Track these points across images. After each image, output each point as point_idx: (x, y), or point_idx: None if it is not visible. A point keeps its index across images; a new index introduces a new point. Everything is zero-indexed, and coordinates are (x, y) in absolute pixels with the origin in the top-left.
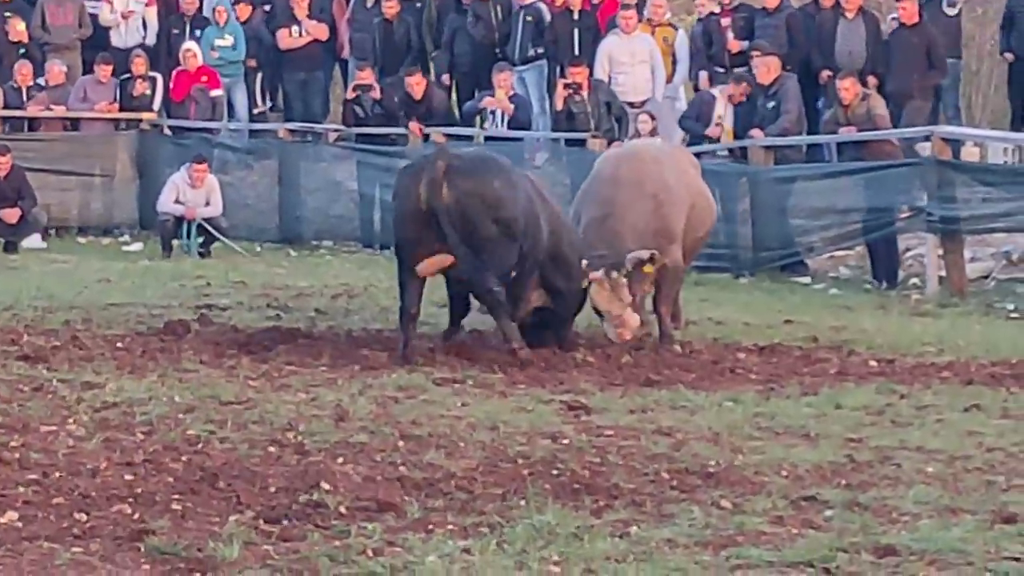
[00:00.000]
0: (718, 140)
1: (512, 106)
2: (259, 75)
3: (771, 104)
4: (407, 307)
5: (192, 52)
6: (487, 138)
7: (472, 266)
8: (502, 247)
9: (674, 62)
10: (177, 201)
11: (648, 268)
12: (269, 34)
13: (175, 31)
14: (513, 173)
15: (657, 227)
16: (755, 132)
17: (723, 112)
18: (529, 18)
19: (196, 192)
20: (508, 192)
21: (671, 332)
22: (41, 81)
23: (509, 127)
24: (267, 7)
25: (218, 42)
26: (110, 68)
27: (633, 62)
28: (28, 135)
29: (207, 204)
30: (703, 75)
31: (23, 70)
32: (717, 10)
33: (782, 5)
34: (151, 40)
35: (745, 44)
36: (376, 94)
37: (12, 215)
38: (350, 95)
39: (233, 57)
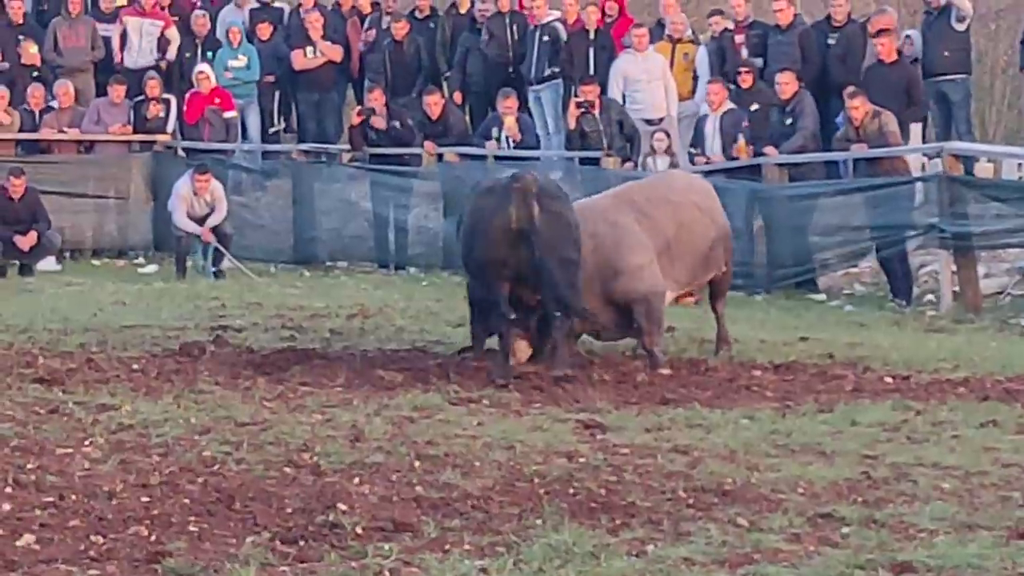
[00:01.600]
0: (736, 158)
1: (518, 130)
2: (276, 94)
3: (788, 120)
4: (505, 314)
5: (205, 74)
6: (499, 158)
7: (565, 285)
8: (577, 268)
9: (695, 78)
10: (189, 216)
11: None
12: (288, 53)
13: (187, 54)
14: None
15: (602, 266)
16: (769, 150)
17: (712, 129)
18: (545, 37)
19: (201, 200)
20: (575, 215)
21: (660, 363)
22: (54, 104)
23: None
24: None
25: (232, 63)
26: (123, 88)
27: (649, 79)
28: (42, 158)
29: (212, 211)
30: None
31: (36, 93)
32: (731, 26)
33: (795, 22)
34: (172, 55)
35: (759, 60)
36: (381, 123)
37: (27, 241)
38: (355, 120)
39: (247, 77)
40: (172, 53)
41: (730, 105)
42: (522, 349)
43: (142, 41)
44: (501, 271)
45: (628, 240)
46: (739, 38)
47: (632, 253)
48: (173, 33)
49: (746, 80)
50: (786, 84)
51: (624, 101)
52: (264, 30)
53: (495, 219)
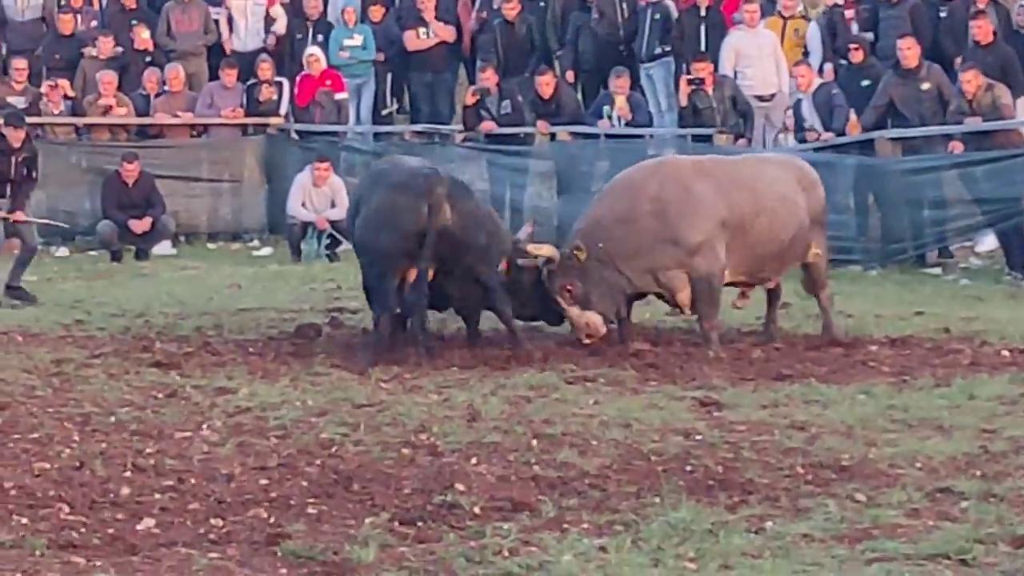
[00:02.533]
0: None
1: (629, 109)
2: (388, 75)
3: (925, 85)
4: (392, 308)
5: (316, 57)
6: (611, 136)
7: (487, 276)
8: (494, 253)
9: (806, 54)
10: (304, 205)
11: (581, 255)
12: (400, 34)
13: (299, 35)
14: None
15: (662, 234)
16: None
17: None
18: (656, 15)
19: (320, 193)
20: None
21: (714, 348)
22: (166, 88)
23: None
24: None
25: (347, 42)
26: (235, 72)
27: (760, 56)
28: (156, 142)
29: (332, 206)
30: (828, 67)
31: (152, 77)
32: (841, 2)
33: None
34: (280, 30)
35: (870, 35)
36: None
37: (142, 225)
38: (470, 100)
39: (363, 56)
40: (281, 28)
41: (819, 81)
42: (596, 324)
43: (248, 22)
44: (401, 262)
45: (696, 211)
46: (849, 13)
47: (695, 229)
48: (277, 10)
49: (856, 55)
50: (908, 50)
51: (735, 77)
52: (376, 12)
53: (407, 217)
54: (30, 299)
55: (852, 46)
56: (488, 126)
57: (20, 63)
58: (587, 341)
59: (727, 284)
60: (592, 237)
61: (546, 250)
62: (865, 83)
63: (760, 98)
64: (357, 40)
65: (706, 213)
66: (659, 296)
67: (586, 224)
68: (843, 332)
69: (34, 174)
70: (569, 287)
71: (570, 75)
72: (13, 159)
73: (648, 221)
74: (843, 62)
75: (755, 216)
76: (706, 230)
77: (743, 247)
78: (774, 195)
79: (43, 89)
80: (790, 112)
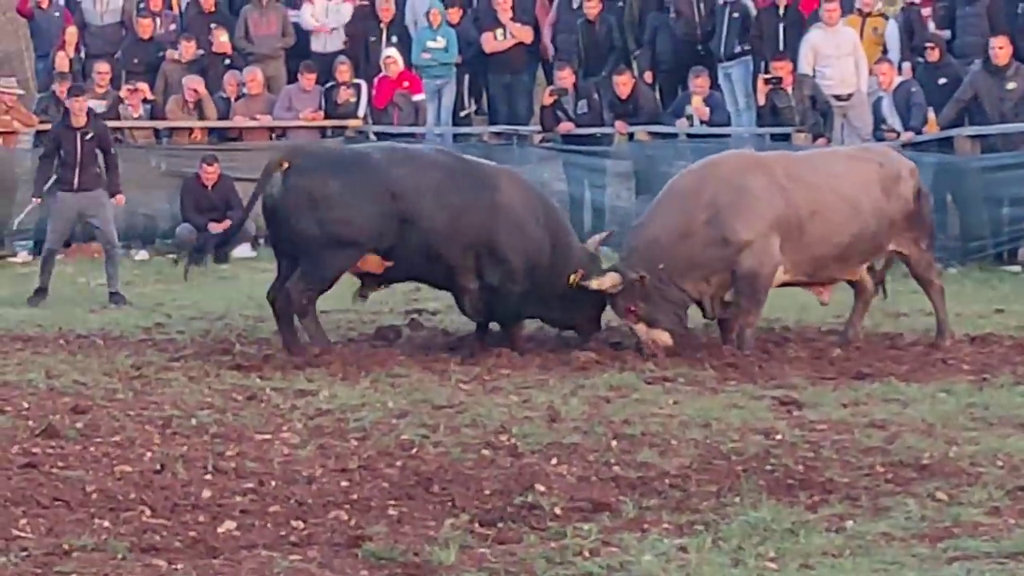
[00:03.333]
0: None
1: (707, 109)
2: (466, 76)
3: (1011, 85)
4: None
5: (393, 59)
6: (690, 136)
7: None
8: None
9: (885, 52)
10: None
11: (598, 284)
12: (478, 36)
13: (372, 38)
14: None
15: (713, 236)
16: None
17: (888, 106)
18: (735, 14)
19: None
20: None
21: (748, 346)
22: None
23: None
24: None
25: (430, 44)
26: (314, 76)
27: (839, 55)
28: (234, 145)
29: None
30: (906, 66)
31: (231, 80)
32: (918, 0)
33: None
34: (345, 18)
35: (947, 33)
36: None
37: (221, 227)
38: (547, 100)
39: (445, 59)
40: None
41: (899, 80)
42: (664, 341)
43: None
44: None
45: (748, 209)
46: (926, 11)
47: (746, 226)
48: (346, 10)
49: (932, 54)
50: (1001, 48)
51: (814, 76)
52: (454, 14)
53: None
54: (127, 301)
55: (928, 45)
56: (566, 127)
57: (102, 67)
58: (653, 357)
59: (788, 284)
60: (651, 258)
61: (608, 281)
62: (942, 81)
63: (838, 97)
64: (440, 43)
65: (758, 210)
66: (698, 304)
67: (643, 244)
68: (950, 333)
69: (112, 150)
70: (633, 308)
71: (648, 75)
72: (78, 136)
73: (704, 231)
74: (920, 60)
75: (811, 215)
76: (757, 228)
77: (799, 247)
78: (835, 194)
79: (122, 93)
80: (864, 110)
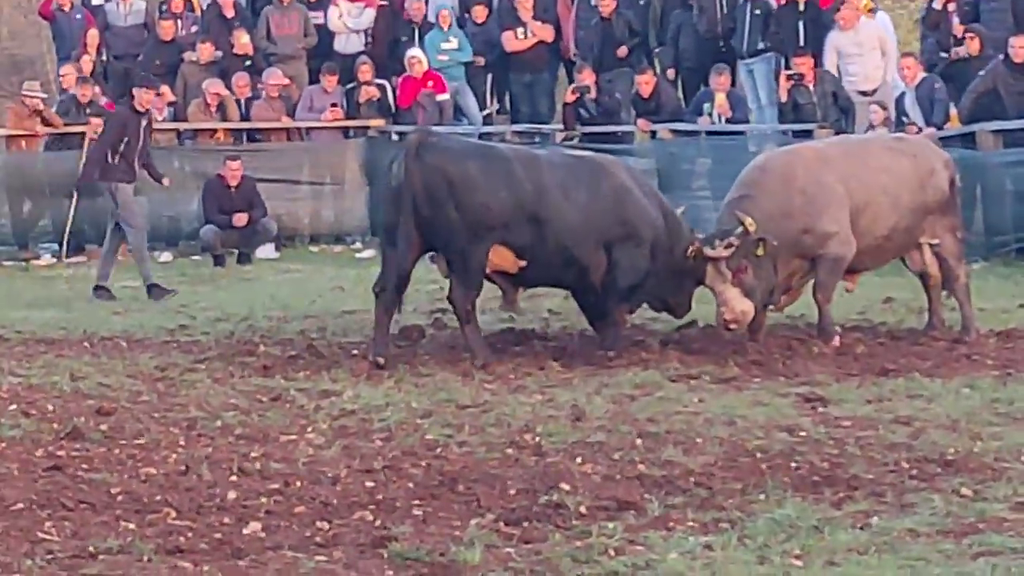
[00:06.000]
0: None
1: (728, 106)
2: (488, 76)
3: None
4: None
5: (417, 59)
6: (711, 133)
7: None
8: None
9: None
10: None
11: (761, 250)
12: (500, 35)
13: (404, 38)
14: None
15: (804, 224)
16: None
17: (911, 101)
18: (756, 11)
19: None
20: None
21: (830, 327)
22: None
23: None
24: None
25: (444, 45)
26: (335, 78)
27: (862, 51)
28: (257, 146)
29: None
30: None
31: (240, 82)
32: None
33: None
34: (368, 22)
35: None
36: (592, 94)
37: (243, 219)
38: (570, 98)
39: (460, 59)
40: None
41: (923, 75)
42: (748, 313)
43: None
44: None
45: (831, 200)
46: (951, 6)
47: (833, 219)
48: (370, 12)
49: (973, 44)
50: (1021, 48)
51: (840, 74)
52: (480, 12)
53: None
54: (172, 291)
55: (969, 35)
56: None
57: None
58: (732, 327)
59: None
60: (764, 232)
61: (725, 248)
62: (982, 73)
63: (863, 93)
64: (453, 43)
65: (840, 202)
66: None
67: (759, 219)
68: (976, 328)
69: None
70: (743, 270)
71: (670, 72)
72: (141, 123)
73: (799, 215)
74: (944, 55)
75: (864, 208)
76: (840, 219)
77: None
78: (880, 187)
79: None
80: (890, 103)
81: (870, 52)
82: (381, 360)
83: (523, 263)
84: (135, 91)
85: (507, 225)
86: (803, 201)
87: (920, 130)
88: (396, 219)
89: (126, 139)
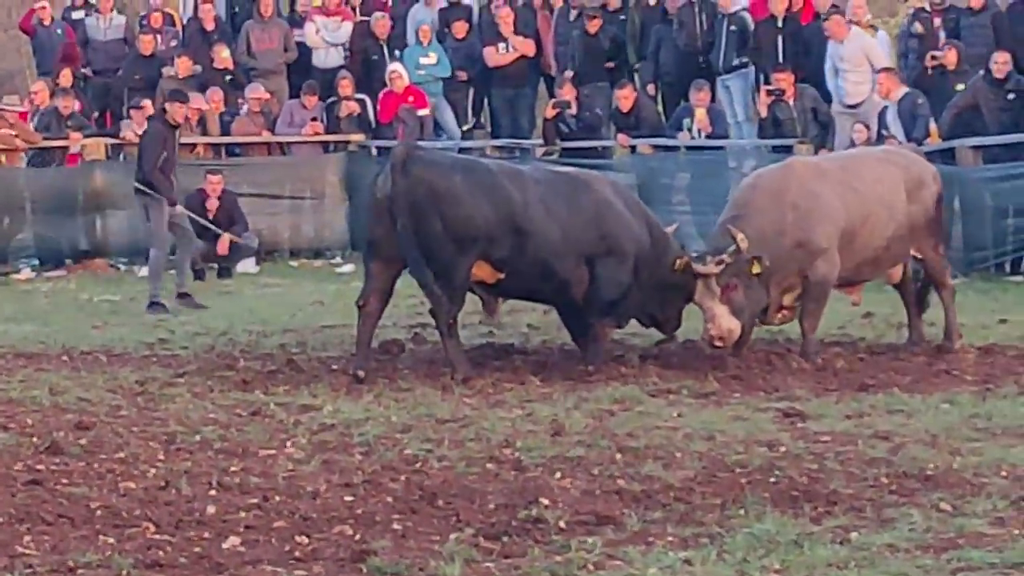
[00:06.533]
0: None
1: (708, 122)
2: (470, 91)
3: (1011, 96)
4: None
5: (398, 73)
6: (691, 148)
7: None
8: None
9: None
10: None
11: (755, 268)
12: (481, 51)
13: (374, 56)
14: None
15: (798, 239)
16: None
17: (892, 116)
18: (733, 27)
19: None
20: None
21: (813, 351)
22: (245, 106)
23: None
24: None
25: (423, 60)
26: (315, 97)
27: (851, 68)
28: (237, 160)
29: None
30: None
31: (214, 97)
32: (929, 9)
33: (987, 5)
34: (345, 37)
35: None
36: (573, 109)
37: (224, 245)
38: (550, 113)
39: (438, 74)
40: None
41: (904, 90)
42: (735, 333)
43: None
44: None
45: (824, 216)
46: (937, 21)
47: (824, 234)
48: (346, 30)
49: (951, 56)
50: (1004, 63)
51: (840, 90)
52: (460, 28)
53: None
54: (202, 306)
55: (947, 46)
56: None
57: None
58: (718, 344)
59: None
60: (755, 251)
61: (714, 265)
62: (960, 87)
63: (850, 107)
64: (432, 59)
65: (832, 218)
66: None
67: (752, 236)
68: (960, 340)
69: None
70: (733, 288)
71: (651, 88)
72: (176, 135)
73: (792, 231)
74: (928, 69)
75: (862, 221)
76: (830, 235)
77: (850, 252)
78: (877, 199)
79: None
80: (872, 117)
81: (857, 67)
82: (361, 373)
83: (501, 275)
84: (168, 105)
85: (489, 238)
86: (796, 216)
87: (899, 144)
88: (380, 232)
89: (165, 154)
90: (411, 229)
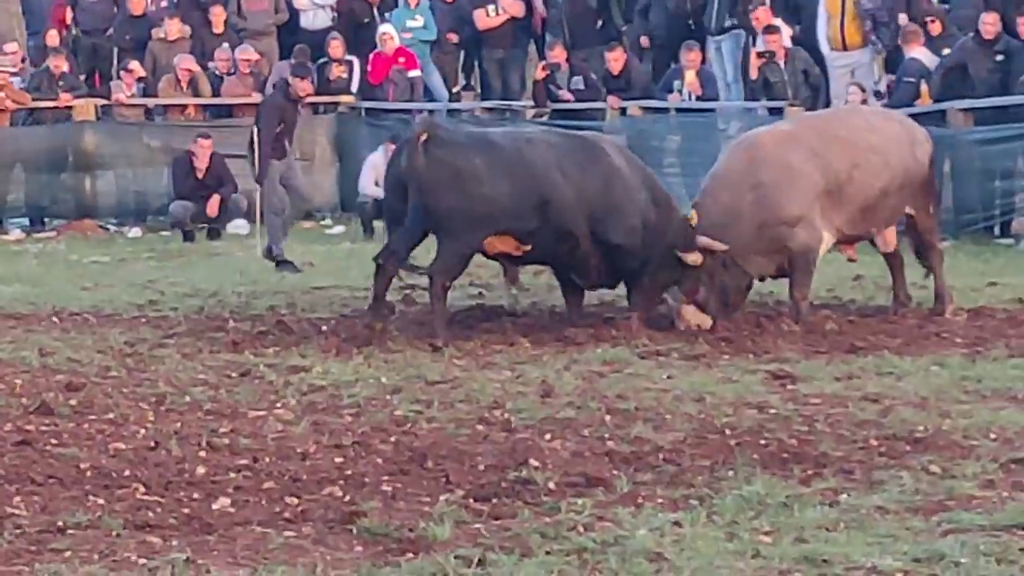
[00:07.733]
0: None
1: (699, 84)
2: (460, 53)
3: (999, 57)
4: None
5: (389, 35)
6: (681, 110)
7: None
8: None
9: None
10: (376, 183)
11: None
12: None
13: (365, 19)
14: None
15: (761, 219)
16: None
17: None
18: None
19: None
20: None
21: (803, 316)
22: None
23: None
24: None
25: (409, 23)
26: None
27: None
28: (227, 122)
29: None
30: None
31: (222, 56)
32: None
33: None
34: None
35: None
36: (567, 95)
37: (214, 206)
38: (540, 75)
39: (425, 37)
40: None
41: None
42: (705, 325)
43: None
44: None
45: (795, 186)
46: None
47: (794, 204)
48: None
49: (934, 27)
50: (992, 24)
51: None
52: None
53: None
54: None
55: (929, 19)
56: (563, 96)
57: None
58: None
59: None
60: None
61: (696, 256)
62: (945, 52)
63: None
64: (419, 21)
65: (803, 187)
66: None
67: (708, 227)
68: (951, 303)
69: None
70: (695, 292)
71: (645, 41)
72: (298, 111)
73: (753, 209)
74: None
75: (852, 169)
76: (804, 204)
77: (841, 205)
78: (868, 145)
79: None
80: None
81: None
82: (379, 326)
83: (527, 247)
84: (291, 80)
85: (512, 215)
86: (756, 196)
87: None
88: (398, 205)
89: (282, 125)
90: (429, 208)
